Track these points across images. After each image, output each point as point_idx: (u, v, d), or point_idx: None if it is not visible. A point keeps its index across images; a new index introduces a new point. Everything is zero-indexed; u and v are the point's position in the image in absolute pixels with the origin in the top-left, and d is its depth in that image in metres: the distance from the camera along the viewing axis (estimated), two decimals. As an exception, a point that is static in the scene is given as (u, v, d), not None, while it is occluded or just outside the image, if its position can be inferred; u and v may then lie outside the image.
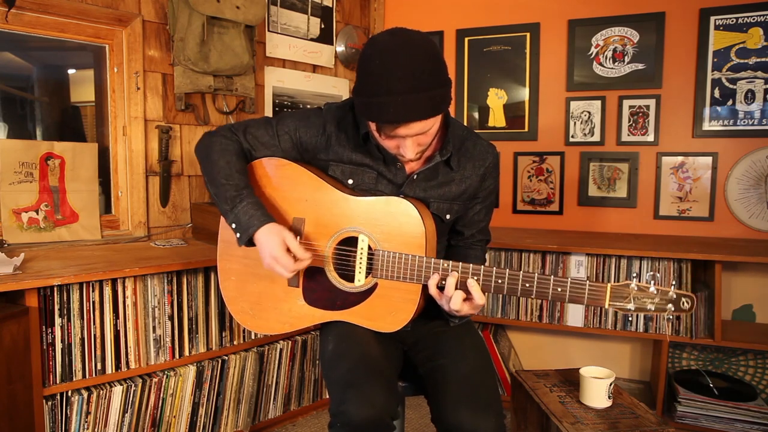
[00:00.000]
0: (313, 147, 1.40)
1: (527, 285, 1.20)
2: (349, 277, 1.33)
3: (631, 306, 1.18)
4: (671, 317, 1.18)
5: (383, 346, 1.31)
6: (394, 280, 1.28)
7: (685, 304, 1.17)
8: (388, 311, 1.30)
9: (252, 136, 1.41)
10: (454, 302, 1.22)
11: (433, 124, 1.21)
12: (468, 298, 1.24)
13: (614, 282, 1.19)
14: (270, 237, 1.26)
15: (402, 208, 1.28)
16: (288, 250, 1.26)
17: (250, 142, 1.41)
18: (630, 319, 2.29)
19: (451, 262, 1.24)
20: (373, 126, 1.23)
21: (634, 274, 1.21)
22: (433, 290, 1.25)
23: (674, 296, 1.17)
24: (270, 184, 1.42)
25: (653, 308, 1.17)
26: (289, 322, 1.39)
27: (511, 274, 1.21)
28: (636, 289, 1.17)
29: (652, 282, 1.18)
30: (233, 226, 1.30)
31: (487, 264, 1.32)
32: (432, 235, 1.30)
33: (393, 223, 1.29)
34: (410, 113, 1.13)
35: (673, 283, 1.21)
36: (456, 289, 1.22)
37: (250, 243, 1.29)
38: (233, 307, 1.46)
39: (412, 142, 1.21)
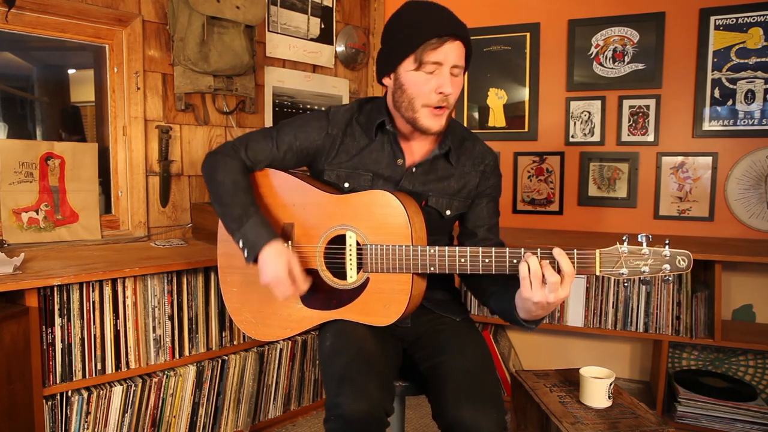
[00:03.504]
0: (315, 151, 1.42)
1: (514, 261, 1.19)
2: (343, 275, 1.34)
3: (623, 270, 1.12)
4: (670, 279, 1.12)
5: (381, 343, 1.31)
6: (384, 273, 1.29)
7: (682, 262, 1.10)
8: (382, 304, 1.30)
9: (253, 152, 1.42)
10: (553, 285, 1.11)
11: (463, 65, 1.30)
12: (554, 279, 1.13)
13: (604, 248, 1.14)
14: (276, 258, 1.27)
15: (384, 200, 1.29)
16: (291, 272, 1.28)
17: (251, 158, 1.42)
18: (629, 318, 2.30)
19: (437, 247, 1.24)
20: (410, 66, 1.27)
21: (625, 237, 1.14)
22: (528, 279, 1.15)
23: (668, 255, 1.11)
24: (260, 192, 1.43)
25: (648, 270, 1.11)
26: (291, 327, 1.40)
27: (497, 251, 1.20)
28: (627, 252, 1.12)
29: (645, 243, 1.12)
30: (240, 243, 1.31)
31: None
32: (419, 224, 1.30)
33: (377, 215, 1.29)
34: (456, 27, 1.26)
35: (667, 241, 1.13)
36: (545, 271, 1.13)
37: (256, 260, 1.31)
38: (238, 318, 1.47)
39: (449, 73, 1.26)
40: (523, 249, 1.17)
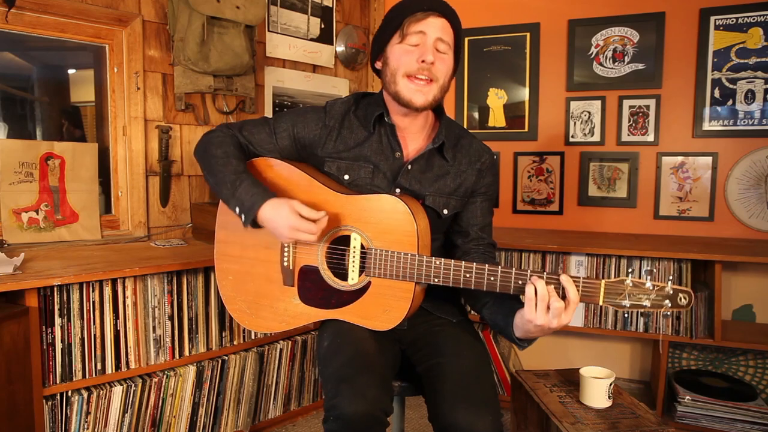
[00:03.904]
0: (311, 142, 1.42)
1: (519, 282, 1.19)
2: (343, 276, 1.34)
3: (626, 302, 1.15)
4: (669, 314, 1.15)
5: (379, 344, 1.31)
6: (386, 279, 1.28)
7: (683, 300, 1.13)
8: (381, 309, 1.30)
9: (249, 132, 1.43)
10: (556, 310, 1.13)
11: (450, 42, 1.33)
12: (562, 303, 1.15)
13: (609, 278, 1.17)
14: (278, 210, 1.25)
15: (393, 206, 1.28)
16: (301, 215, 1.25)
17: (247, 137, 1.43)
18: (628, 317, 2.30)
19: (443, 260, 1.24)
20: (396, 41, 1.32)
21: (631, 270, 1.19)
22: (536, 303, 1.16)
23: (671, 292, 1.14)
24: (263, 183, 1.41)
25: (649, 304, 1.14)
26: (286, 321, 1.39)
27: (503, 271, 1.20)
28: (631, 285, 1.14)
29: (648, 277, 1.15)
30: (237, 209, 1.29)
31: None
32: (424, 232, 1.30)
33: (384, 221, 1.29)
34: (442, 5, 1.32)
35: (670, 278, 1.17)
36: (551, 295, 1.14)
37: (255, 224, 1.28)
38: (231, 307, 1.46)
39: (432, 45, 1.30)
40: (529, 272, 1.18)
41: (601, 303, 1.16)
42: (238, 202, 1.29)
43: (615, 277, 1.17)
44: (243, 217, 1.28)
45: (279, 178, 1.41)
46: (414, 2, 1.31)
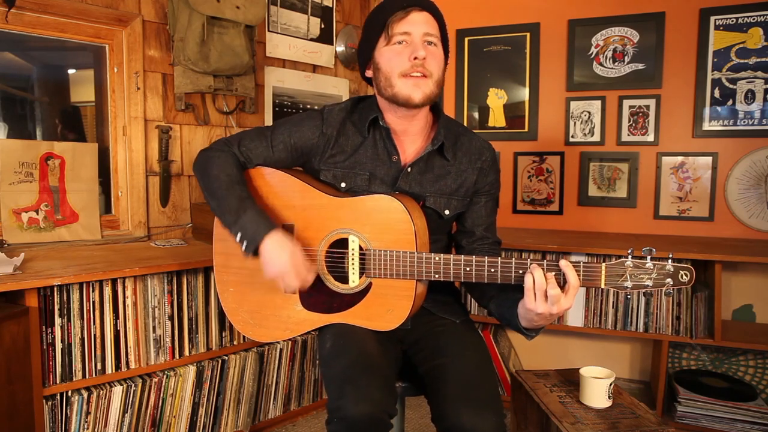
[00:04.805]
0: (309, 150, 1.41)
1: (520, 272, 1.19)
2: (344, 279, 1.33)
3: (628, 284, 1.14)
4: (671, 292, 1.15)
5: (381, 345, 1.30)
6: (387, 278, 1.28)
7: (684, 276, 1.13)
8: (385, 309, 1.29)
9: (246, 148, 1.41)
10: (553, 295, 1.14)
11: (437, 35, 1.31)
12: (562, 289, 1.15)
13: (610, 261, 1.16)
14: (280, 250, 1.25)
15: (388, 206, 1.27)
16: (297, 266, 1.27)
17: (245, 154, 1.41)
18: (629, 317, 2.30)
19: (442, 255, 1.23)
20: (382, 44, 1.31)
21: (629, 250, 1.18)
22: (534, 292, 1.16)
23: (672, 269, 1.13)
24: (258, 193, 1.41)
25: (651, 284, 1.14)
26: (290, 329, 1.39)
27: (503, 262, 1.20)
28: (632, 266, 1.14)
29: (649, 257, 1.14)
30: (238, 236, 1.29)
31: None
32: (422, 230, 1.29)
33: (381, 221, 1.28)
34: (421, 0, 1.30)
35: (670, 256, 1.15)
36: (550, 281, 1.14)
37: (256, 253, 1.29)
38: (234, 318, 1.45)
39: (421, 41, 1.28)
40: (529, 260, 1.18)
41: (603, 286, 1.16)
42: (240, 229, 1.29)
43: (615, 259, 1.16)
44: (244, 245, 1.28)
45: (275, 186, 1.41)
46: (392, 2, 1.30)
